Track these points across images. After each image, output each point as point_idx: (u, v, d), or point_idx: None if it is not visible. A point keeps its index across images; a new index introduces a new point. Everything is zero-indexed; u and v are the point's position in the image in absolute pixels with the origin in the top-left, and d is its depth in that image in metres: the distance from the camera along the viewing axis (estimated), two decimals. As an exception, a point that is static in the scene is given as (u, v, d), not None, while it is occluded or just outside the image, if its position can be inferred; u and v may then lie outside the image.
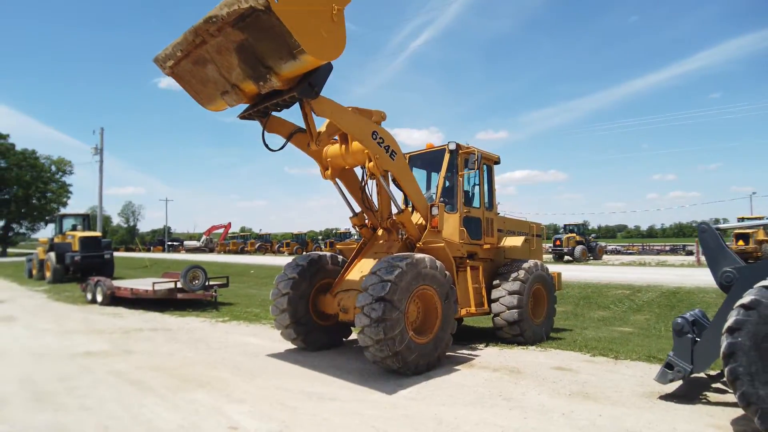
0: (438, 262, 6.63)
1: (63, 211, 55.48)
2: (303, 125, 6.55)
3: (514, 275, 8.34)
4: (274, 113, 6.44)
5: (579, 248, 33.69)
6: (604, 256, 39.45)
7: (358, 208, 7.91)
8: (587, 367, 6.71)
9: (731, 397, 5.19)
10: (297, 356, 7.48)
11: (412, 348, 6.09)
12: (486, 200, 8.88)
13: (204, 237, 70.82)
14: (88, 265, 20.47)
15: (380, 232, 7.95)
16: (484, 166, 8.85)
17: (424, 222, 7.52)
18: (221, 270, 25.08)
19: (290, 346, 8.05)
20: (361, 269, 7.53)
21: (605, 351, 7.70)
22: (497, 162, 9.21)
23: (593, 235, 41.07)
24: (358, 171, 7.80)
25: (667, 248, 51.92)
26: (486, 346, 8.22)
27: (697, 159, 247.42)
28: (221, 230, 70.53)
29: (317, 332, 7.68)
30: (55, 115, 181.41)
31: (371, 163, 6.73)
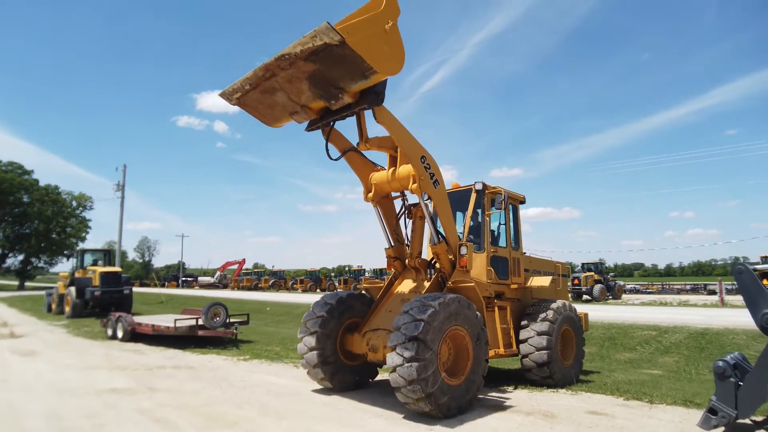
0: (470, 302, 6.59)
1: (81, 246, 56.30)
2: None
3: (542, 315, 8.23)
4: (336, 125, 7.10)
5: (598, 287, 33.11)
6: (624, 296, 38.72)
7: (393, 241, 8.02)
8: (622, 412, 6.52)
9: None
10: (323, 397, 7.37)
11: (444, 390, 5.99)
12: (512, 240, 8.88)
13: (218, 273, 70.99)
14: (108, 300, 20.64)
15: (409, 270, 7.96)
16: (510, 206, 8.89)
17: (453, 259, 7.53)
18: (237, 307, 25.01)
19: (315, 386, 7.95)
20: (389, 309, 7.51)
21: (638, 395, 7.49)
22: (522, 202, 9.26)
23: (612, 273, 40.37)
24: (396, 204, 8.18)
25: (688, 287, 50.81)
26: (515, 388, 8.04)
27: (716, 196, 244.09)
28: (235, 266, 70.69)
29: (344, 372, 7.59)
30: (76, 152, 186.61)
31: (414, 185, 6.91)
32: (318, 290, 57.75)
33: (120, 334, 14.11)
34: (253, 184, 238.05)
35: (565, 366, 8.33)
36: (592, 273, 34.92)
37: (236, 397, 7.40)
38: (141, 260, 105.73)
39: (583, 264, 37.71)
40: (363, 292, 8.35)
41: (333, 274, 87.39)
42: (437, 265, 7.63)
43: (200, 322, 12.97)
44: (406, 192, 7.93)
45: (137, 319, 14.65)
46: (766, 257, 30.74)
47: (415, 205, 8.00)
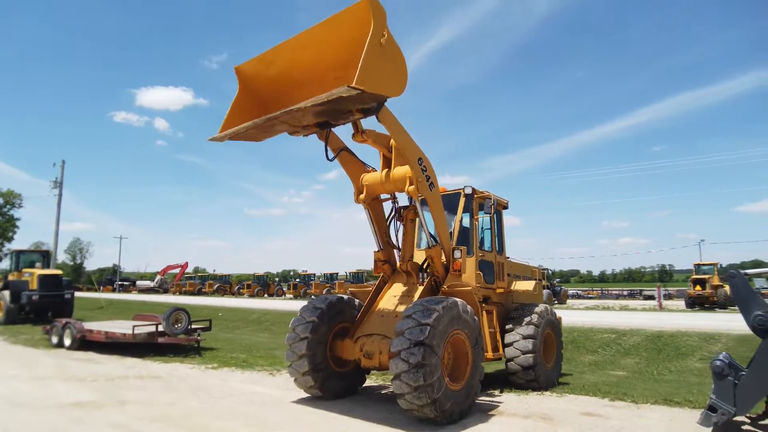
0: (468, 307, 6.55)
1: (9, 246, 52.06)
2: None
3: (527, 319, 8.34)
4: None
5: (545, 292, 34.28)
6: (567, 300, 40.36)
7: (383, 244, 7.86)
8: (613, 412, 6.68)
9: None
10: (312, 406, 7.06)
11: (448, 395, 5.90)
12: (497, 244, 8.96)
13: (158, 277, 67.78)
14: (47, 304, 19.08)
15: (399, 274, 7.82)
16: (495, 211, 8.95)
17: (445, 263, 7.47)
18: (187, 312, 23.93)
19: (300, 394, 7.61)
20: (381, 313, 7.35)
21: (620, 395, 7.72)
22: (506, 207, 9.38)
23: (557, 279, 42.05)
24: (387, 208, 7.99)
25: (625, 293, 53.85)
26: (501, 392, 8.08)
27: (646, 207, 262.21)
28: (177, 270, 67.80)
29: (334, 379, 7.32)
30: (4, 148, 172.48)
31: (411, 187, 6.80)
32: (266, 295, 56.30)
33: (67, 341, 13.05)
34: (195, 185, 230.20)
35: (547, 369, 8.47)
36: (540, 278, 36.12)
37: (217, 408, 6.98)
38: (72, 263, 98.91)
39: (531, 270, 38.91)
40: (350, 296, 8.12)
41: (277, 279, 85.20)
42: (429, 269, 7.56)
43: (160, 328, 12.24)
44: (396, 194, 7.83)
45: (86, 325, 13.61)
46: (699, 265, 33.06)
47: (406, 207, 7.89)
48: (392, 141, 7.15)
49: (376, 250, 7.85)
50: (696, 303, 30.32)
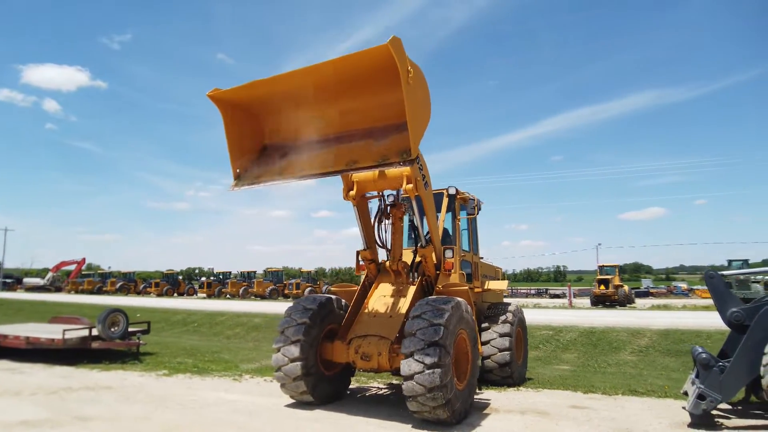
0: (468, 306, 6.62)
1: None
2: None
3: (503, 318, 8.61)
4: None
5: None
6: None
7: (370, 243, 7.68)
8: (596, 404, 7.11)
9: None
10: (307, 412, 6.70)
11: (457, 395, 5.92)
12: (473, 245, 9.15)
13: (50, 274, 61.26)
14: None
15: (385, 274, 7.70)
16: (472, 212, 9.16)
17: (436, 262, 7.48)
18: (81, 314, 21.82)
19: (284, 401, 7.23)
20: (373, 314, 7.20)
21: (590, 388, 8.26)
22: (480, 208, 9.61)
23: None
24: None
25: (533, 291, 57.68)
26: (480, 389, 8.26)
27: (544, 212, 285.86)
28: (73, 266, 61.79)
29: (324, 384, 7.03)
30: None
31: (409, 185, 6.66)
32: (175, 294, 53.13)
33: (-26, 349, 11.35)
34: (89, 174, 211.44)
35: (518, 365, 8.81)
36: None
37: (201, 420, 6.40)
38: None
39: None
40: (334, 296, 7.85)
41: (181, 276, 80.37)
42: (420, 269, 7.53)
43: (94, 332, 11.05)
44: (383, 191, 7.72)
45: (1, 329, 11.93)
46: (603, 266, 36.26)
47: (394, 205, 7.78)
48: None
49: (362, 248, 7.68)
50: (600, 301, 33.22)
